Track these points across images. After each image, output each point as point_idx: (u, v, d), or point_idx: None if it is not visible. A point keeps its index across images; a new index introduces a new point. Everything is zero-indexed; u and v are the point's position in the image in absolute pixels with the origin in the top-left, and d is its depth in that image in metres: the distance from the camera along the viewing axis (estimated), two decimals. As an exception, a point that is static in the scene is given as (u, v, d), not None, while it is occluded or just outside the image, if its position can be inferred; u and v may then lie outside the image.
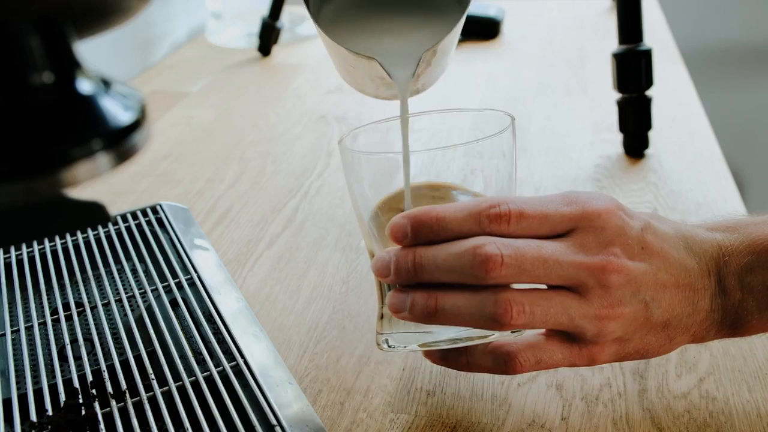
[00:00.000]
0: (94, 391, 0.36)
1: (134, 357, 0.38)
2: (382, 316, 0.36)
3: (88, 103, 0.18)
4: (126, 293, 0.44)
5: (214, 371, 0.37)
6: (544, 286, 0.32)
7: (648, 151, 0.65)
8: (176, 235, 0.50)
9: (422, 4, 0.40)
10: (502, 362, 0.32)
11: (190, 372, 0.37)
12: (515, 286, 0.32)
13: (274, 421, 0.34)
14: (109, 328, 0.41)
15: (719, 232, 0.34)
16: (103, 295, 0.44)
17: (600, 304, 0.31)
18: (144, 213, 0.53)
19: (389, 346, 0.35)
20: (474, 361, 0.34)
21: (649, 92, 0.62)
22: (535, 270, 0.30)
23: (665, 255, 0.32)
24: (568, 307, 0.31)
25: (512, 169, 0.36)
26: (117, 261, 0.48)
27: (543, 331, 0.33)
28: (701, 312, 0.33)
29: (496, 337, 0.33)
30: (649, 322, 0.32)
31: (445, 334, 0.34)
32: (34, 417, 0.35)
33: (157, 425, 0.34)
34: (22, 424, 0.34)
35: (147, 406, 0.35)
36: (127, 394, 0.36)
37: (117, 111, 0.18)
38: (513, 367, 0.32)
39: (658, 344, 0.33)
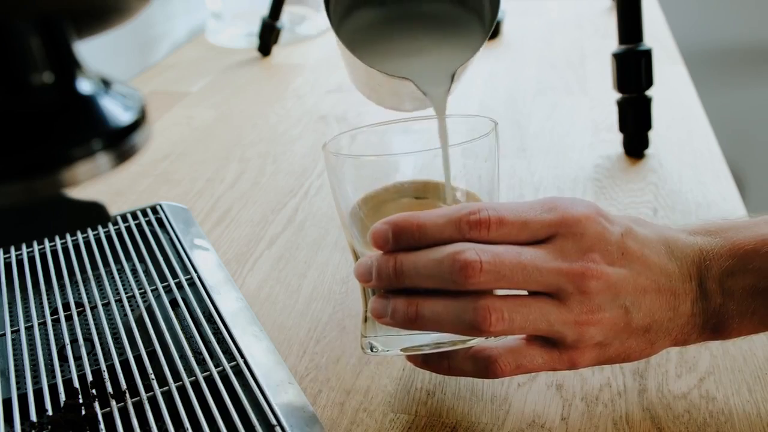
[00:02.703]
0: (94, 391, 0.36)
1: (134, 357, 0.38)
2: (366, 319, 0.36)
3: (88, 103, 0.18)
4: (126, 293, 0.44)
5: (214, 371, 0.37)
6: (524, 293, 0.32)
7: (648, 151, 0.64)
8: (176, 235, 0.50)
9: (441, 19, 0.40)
10: (483, 367, 0.33)
11: (190, 372, 0.37)
12: (497, 292, 0.32)
13: (274, 421, 0.34)
14: (109, 328, 0.41)
15: (701, 236, 0.34)
16: (103, 295, 0.44)
17: (579, 310, 0.31)
18: (144, 213, 0.53)
19: (372, 350, 0.36)
20: (455, 365, 0.34)
21: (649, 92, 0.62)
22: (515, 276, 0.30)
23: (646, 260, 0.32)
24: (548, 313, 0.31)
25: (494, 173, 0.36)
26: (117, 261, 0.48)
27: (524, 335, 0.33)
28: (682, 316, 0.33)
29: (478, 341, 0.33)
30: (630, 327, 0.32)
31: (427, 338, 0.34)
32: (34, 417, 0.35)
33: (157, 425, 0.34)
34: (22, 424, 0.34)
35: (147, 406, 0.35)
36: (127, 394, 0.36)
37: (117, 111, 0.18)
38: (494, 372, 0.32)
39: (639, 348, 0.33)
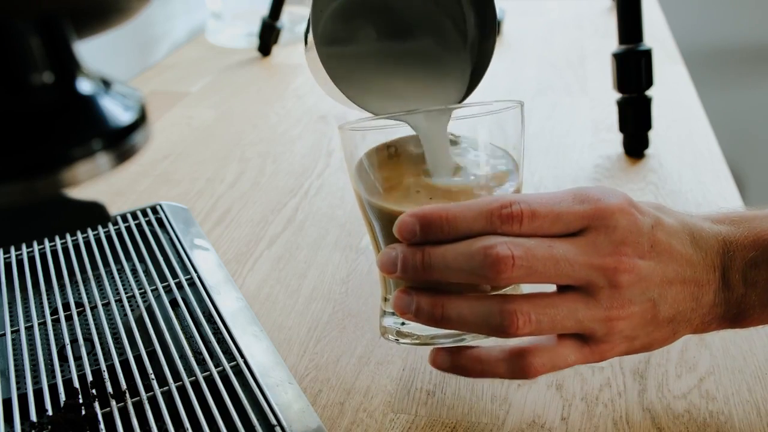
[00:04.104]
0: (94, 391, 0.36)
1: (134, 357, 0.38)
2: (386, 299, 0.37)
3: (88, 103, 0.18)
4: (126, 293, 0.44)
5: (214, 371, 0.37)
6: (552, 286, 0.32)
7: (648, 151, 0.64)
8: (176, 235, 0.50)
9: (425, 49, 0.40)
10: (518, 369, 0.32)
11: (190, 372, 0.37)
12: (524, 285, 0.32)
13: (274, 421, 0.34)
14: (109, 328, 0.41)
15: (724, 225, 0.34)
16: (103, 295, 0.44)
17: (609, 305, 0.31)
18: (144, 213, 0.53)
19: (397, 342, 0.36)
20: (488, 369, 0.34)
21: (649, 92, 0.62)
22: (547, 271, 0.30)
23: (673, 251, 0.32)
24: (576, 310, 0.31)
25: (520, 155, 0.36)
26: (117, 261, 0.48)
27: None
28: (705, 306, 0.33)
29: None
30: (656, 319, 0.32)
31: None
32: (34, 417, 0.35)
33: (157, 425, 0.34)
34: (22, 424, 0.34)
35: (147, 406, 0.35)
36: (127, 394, 0.36)
37: (117, 111, 0.18)
38: (530, 374, 0.32)
39: (662, 338, 0.33)
